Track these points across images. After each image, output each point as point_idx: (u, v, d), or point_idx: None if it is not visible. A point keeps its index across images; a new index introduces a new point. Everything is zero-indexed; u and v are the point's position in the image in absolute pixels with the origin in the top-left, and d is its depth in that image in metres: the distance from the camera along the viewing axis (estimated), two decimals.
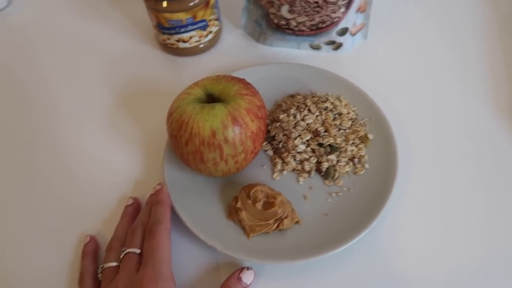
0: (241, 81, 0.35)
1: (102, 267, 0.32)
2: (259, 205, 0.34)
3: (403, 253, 0.34)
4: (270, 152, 0.39)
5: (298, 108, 0.40)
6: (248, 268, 0.32)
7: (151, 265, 0.30)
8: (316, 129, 0.38)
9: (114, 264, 0.32)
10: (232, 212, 0.35)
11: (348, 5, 0.43)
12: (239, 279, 0.32)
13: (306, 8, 0.42)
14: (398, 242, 0.34)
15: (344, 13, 0.43)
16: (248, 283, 0.32)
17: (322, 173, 0.37)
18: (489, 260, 0.33)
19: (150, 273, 0.30)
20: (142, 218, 0.34)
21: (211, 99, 0.35)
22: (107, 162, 0.40)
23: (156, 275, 0.30)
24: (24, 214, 0.38)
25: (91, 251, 0.35)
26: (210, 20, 0.46)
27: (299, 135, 0.38)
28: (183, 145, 0.33)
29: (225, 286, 0.31)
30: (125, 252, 0.32)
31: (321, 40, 0.46)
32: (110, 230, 0.35)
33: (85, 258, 0.34)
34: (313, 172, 0.37)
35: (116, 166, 0.40)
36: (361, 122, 0.40)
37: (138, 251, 0.32)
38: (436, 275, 0.33)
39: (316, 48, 0.47)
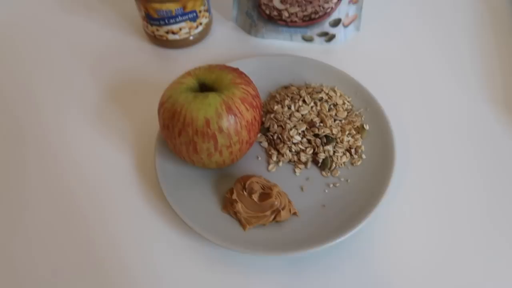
0: (235, 70, 0.34)
1: None
2: (255, 197, 0.33)
3: (401, 243, 0.33)
4: (265, 144, 0.38)
5: (292, 99, 0.39)
6: None
7: None
8: (312, 120, 0.37)
9: None
10: (227, 205, 0.34)
11: None
12: None
13: None
14: (396, 233, 0.34)
15: (337, 3, 0.43)
16: None
17: (319, 164, 0.36)
18: (487, 249, 0.33)
19: None
20: None
21: (204, 88, 0.34)
22: (96, 157, 0.39)
23: None
24: (8, 212, 0.36)
25: None
26: (200, 12, 0.45)
27: (294, 126, 0.37)
28: (176, 135, 0.32)
29: None
30: None
31: (314, 31, 0.45)
32: (99, 228, 0.34)
33: None
34: (309, 163, 0.37)
35: (106, 160, 0.39)
36: (357, 112, 0.39)
37: None
38: (434, 264, 0.32)
39: (309, 40, 0.46)
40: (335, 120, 0.38)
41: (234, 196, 0.33)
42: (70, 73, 0.46)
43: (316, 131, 0.37)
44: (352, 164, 0.37)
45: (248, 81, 0.34)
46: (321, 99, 0.39)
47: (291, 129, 0.37)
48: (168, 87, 0.33)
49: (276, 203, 0.33)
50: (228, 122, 0.31)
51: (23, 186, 0.37)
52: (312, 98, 0.39)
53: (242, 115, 0.32)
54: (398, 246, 0.33)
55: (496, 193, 0.36)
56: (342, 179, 0.36)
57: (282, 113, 0.38)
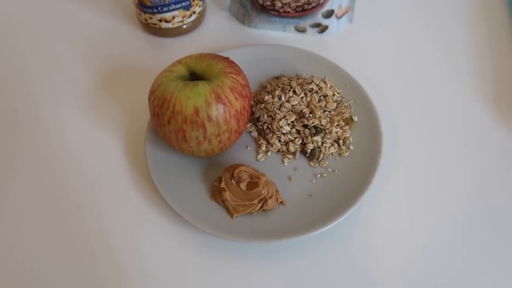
0: (225, 59, 0.34)
1: None
2: (243, 186, 0.33)
3: (386, 234, 0.34)
4: (255, 134, 0.38)
5: (283, 89, 0.40)
6: None
7: None
8: (301, 110, 0.38)
9: None
10: (216, 193, 0.34)
11: None
12: None
13: None
14: (381, 223, 0.34)
15: None
16: None
17: (307, 155, 0.37)
18: (473, 241, 0.34)
19: None
20: None
21: (194, 77, 0.34)
22: (87, 143, 0.39)
23: None
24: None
25: None
26: (193, 0, 0.45)
27: (284, 117, 0.38)
28: (165, 123, 0.32)
29: None
30: None
31: (306, 22, 0.45)
32: (90, 215, 0.34)
33: None
34: (298, 154, 0.37)
35: (98, 147, 0.39)
36: (346, 104, 0.39)
37: None
38: (418, 252, 0.33)
39: (302, 31, 0.46)
40: (324, 111, 0.38)
41: (223, 185, 0.34)
42: (63, 59, 0.46)
43: (305, 121, 0.37)
44: (340, 155, 0.37)
45: (239, 71, 0.34)
46: (311, 90, 0.39)
47: (280, 120, 0.37)
48: (158, 75, 0.34)
49: (263, 192, 0.33)
50: (217, 111, 0.31)
51: (13, 171, 0.38)
52: (303, 89, 0.39)
53: (231, 104, 0.32)
54: (383, 236, 0.34)
55: (481, 185, 0.36)
56: (330, 170, 0.36)
57: (273, 104, 0.38)
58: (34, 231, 0.35)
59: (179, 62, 0.34)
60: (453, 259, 0.33)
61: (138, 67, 0.45)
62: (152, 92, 0.33)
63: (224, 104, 0.32)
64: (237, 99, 0.32)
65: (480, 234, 0.34)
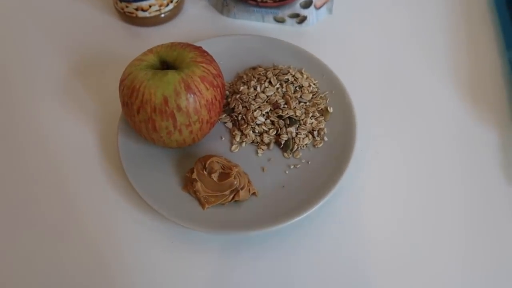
0: (197, 48, 0.34)
1: None
2: (214, 176, 0.33)
3: (358, 225, 0.34)
4: (229, 124, 0.38)
5: (258, 80, 0.39)
6: None
7: None
8: (276, 101, 0.37)
9: None
10: (188, 184, 0.34)
11: None
12: None
13: None
14: (354, 214, 0.34)
15: None
16: None
17: (281, 146, 0.37)
18: (446, 231, 0.34)
19: None
20: None
21: (165, 66, 0.33)
22: (60, 133, 0.39)
23: None
24: None
25: None
26: None
27: (259, 107, 0.37)
28: (135, 112, 0.32)
29: None
30: None
31: (285, 12, 0.45)
32: (62, 205, 0.34)
33: None
34: (272, 145, 0.37)
35: (70, 137, 0.38)
36: (322, 95, 0.39)
37: None
38: (391, 246, 0.33)
39: (280, 21, 0.46)
40: (299, 102, 0.38)
41: (194, 175, 0.33)
42: (37, 47, 0.45)
43: (280, 112, 0.37)
44: (314, 146, 0.37)
45: (210, 60, 0.33)
46: (287, 81, 0.39)
47: (255, 110, 0.37)
48: (129, 64, 0.33)
49: (235, 182, 0.33)
50: (186, 101, 0.31)
51: None
52: (278, 80, 0.39)
53: (201, 94, 0.32)
54: (355, 226, 0.34)
55: (458, 171, 0.36)
56: (303, 161, 0.36)
57: (248, 94, 0.38)
58: (3, 221, 0.34)
59: (150, 51, 0.34)
60: (426, 248, 0.33)
61: (114, 57, 0.44)
62: (122, 81, 0.32)
63: (194, 93, 0.31)
64: (208, 89, 0.32)
65: (456, 220, 0.34)
